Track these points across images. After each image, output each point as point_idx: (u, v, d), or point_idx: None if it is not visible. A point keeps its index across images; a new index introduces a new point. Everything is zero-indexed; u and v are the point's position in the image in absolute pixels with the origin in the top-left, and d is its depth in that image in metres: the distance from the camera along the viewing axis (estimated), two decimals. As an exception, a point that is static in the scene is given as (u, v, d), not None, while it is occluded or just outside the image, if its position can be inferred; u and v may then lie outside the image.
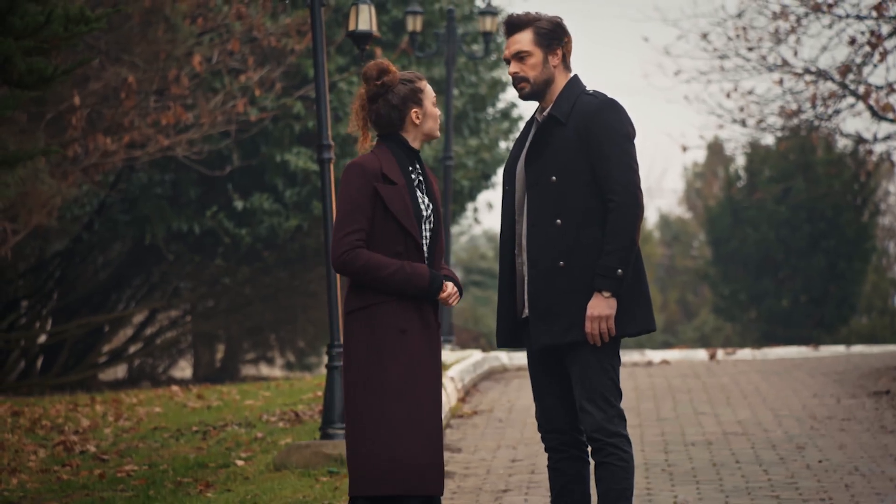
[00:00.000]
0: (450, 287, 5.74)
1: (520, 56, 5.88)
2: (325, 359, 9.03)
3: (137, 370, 22.18)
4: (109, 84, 15.65)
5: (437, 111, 5.83)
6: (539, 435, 6.02)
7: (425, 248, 5.74)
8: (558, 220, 5.80)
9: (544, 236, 5.81)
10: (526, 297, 5.87)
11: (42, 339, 20.32)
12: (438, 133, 5.83)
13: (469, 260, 40.45)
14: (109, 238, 19.89)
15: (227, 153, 18.42)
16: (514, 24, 5.91)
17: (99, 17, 10.14)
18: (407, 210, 5.67)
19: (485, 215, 76.67)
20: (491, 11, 15.71)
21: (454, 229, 24.98)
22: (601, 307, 5.75)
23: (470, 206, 21.89)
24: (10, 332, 19.46)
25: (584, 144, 5.80)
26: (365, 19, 9.00)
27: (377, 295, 5.61)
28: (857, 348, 18.74)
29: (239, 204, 18.84)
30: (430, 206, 5.79)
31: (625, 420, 5.86)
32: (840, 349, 18.54)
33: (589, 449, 5.94)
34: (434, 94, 5.84)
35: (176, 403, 12.25)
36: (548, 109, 5.89)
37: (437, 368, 5.72)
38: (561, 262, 5.79)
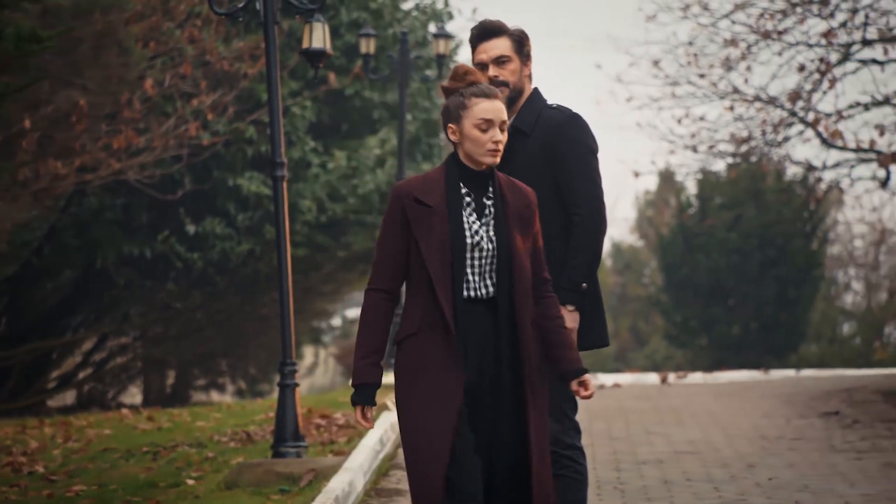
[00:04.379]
0: (357, 415, 5.13)
1: (500, 61, 5.88)
2: (277, 379, 8.99)
3: (87, 396, 22.00)
4: (60, 108, 15.57)
5: (485, 136, 5.13)
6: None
7: (472, 279, 5.08)
8: None
9: None
10: None
11: (-10, 364, 20.14)
12: (484, 160, 5.14)
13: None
14: (59, 263, 19.76)
15: (179, 177, 18.37)
16: (492, 30, 5.91)
17: (50, 36, 10.10)
18: (431, 235, 5.06)
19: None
20: (445, 34, 15.79)
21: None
22: (566, 320, 5.76)
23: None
24: (-42, 358, 19.28)
25: (549, 158, 5.81)
26: (319, 37, 9.01)
27: (405, 329, 5.18)
28: (807, 372, 18.87)
29: (191, 228, 18.78)
30: (487, 234, 5.11)
31: (580, 433, 5.87)
32: (790, 373, 18.66)
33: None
34: (486, 115, 5.15)
35: (126, 425, 12.16)
36: (511, 121, 5.91)
37: (454, 397, 5.07)
38: None
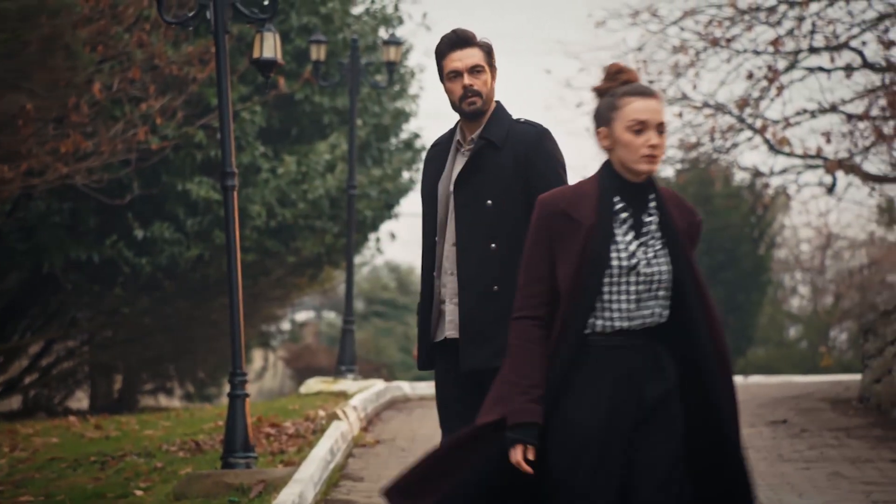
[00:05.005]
0: (518, 455, 4.47)
1: (475, 70, 5.87)
2: (227, 388, 8.93)
3: (33, 401, 21.82)
4: (7, 111, 15.42)
5: (639, 140, 4.51)
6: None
7: (625, 306, 4.49)
8: (493, 245, 5.78)
9: (477, 259, 5.78)
10: (447, 319, 5.85)
11: (-65, 369, 19.94)
12: (639, 167, 4.52)
13: (371, 290, 40.40)
14: (6, 267, 19.59)
15: (128, 182, 18.26)
16: (466, 39, 5.90)
17: (-3, 42, 9.98)
18: (572, 256, 4.47)
19: (387, 245, 76.69)
20: (395, 41, 15.77)
21: (356, 259, 24.96)
22: None
23: (372, 236, 21.90)
24: None
25: (522, 171, 5.81)
26: (269, 46, 8.97)
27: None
28: (755, 378, 18.99)
29: (139, 233, 18.67)
30: (646, 255, 4.50)
31: None
32: (737, 379, 18.75)
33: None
34: (640, 115, 4.53)
35: (73, 434, 12.06)
36: (478, 132, 5.90)
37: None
38: (495, 287, 5.76)
